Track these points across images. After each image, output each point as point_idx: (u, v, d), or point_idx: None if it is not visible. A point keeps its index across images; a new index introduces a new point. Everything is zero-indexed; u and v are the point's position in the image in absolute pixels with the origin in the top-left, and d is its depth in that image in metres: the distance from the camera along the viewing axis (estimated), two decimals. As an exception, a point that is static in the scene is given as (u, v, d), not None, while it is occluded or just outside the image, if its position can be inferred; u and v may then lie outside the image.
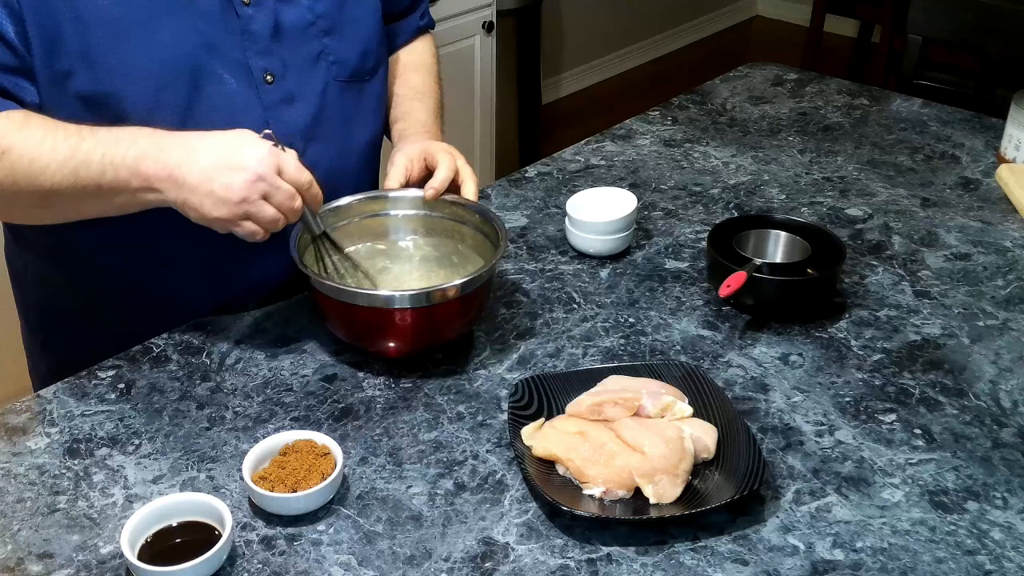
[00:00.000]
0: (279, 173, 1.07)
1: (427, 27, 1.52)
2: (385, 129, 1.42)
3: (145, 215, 1.17)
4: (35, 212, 1.15)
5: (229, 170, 1.05)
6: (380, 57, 1.36)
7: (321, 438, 1.02)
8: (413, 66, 1.47)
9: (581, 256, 1.41)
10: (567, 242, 1.43)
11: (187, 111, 1.15)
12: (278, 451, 1.02)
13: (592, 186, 1.53)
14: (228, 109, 1.18)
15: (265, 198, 1.07)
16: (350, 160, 1.32)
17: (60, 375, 1.18)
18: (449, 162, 1.28)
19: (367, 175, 1.38)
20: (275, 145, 1.08)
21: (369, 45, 1.32)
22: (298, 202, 1.09)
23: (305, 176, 1.10)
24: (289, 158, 1.09)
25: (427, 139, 1.37)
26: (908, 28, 2.37)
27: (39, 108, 1.12)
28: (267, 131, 1.10)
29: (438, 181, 1.26)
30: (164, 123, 1.13)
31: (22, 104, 1.10)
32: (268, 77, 1.21)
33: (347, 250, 1.24)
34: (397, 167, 1.29)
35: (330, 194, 1.27)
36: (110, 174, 1.06)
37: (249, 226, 1.08)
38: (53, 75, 1.10)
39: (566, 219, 1.42)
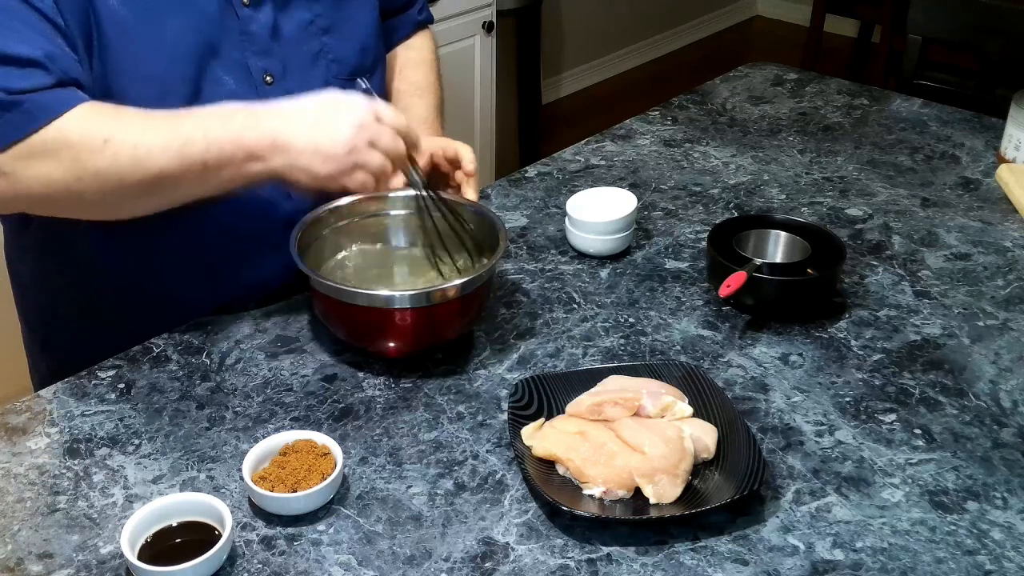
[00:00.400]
0: (378, 119, 1.09)
1: (426, 22, 1.52)
2: None
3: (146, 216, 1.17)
4: (135, 204, 1.10)
5: (331, 124, 1.06)
6: (378, 54, 1.36)
7: (321, 438, 1.02)
8: (413, 62, 1.47)
9: (581, 256, 1.41)
10: (567, 242, 1.43)
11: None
12: (278, 451, 1.02)
13: (592, 186, 1.53)
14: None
15: (371, 145, 1.08)
16: None
17: (60, 375, 1.18)
18: (468, 149, 1.30)
19: None
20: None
21: (367, 42, 1.32)
22: (401, 144, 1.11)
23: (402, 119, 1.12)
24: (383, 103, 1.11)
25: (429, 135, 1.37)
26: (908, 28, 2.37)
27: None
28: (362, 85, 1.13)
29: (471, 163, 1.29)
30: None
31: (72, 75, 1.08)
32: (268, 78, 1.21)
33: (350, 249, 1.24)
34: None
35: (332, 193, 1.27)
36: (214, 150, 1.05)
37: (360, 176, 1.09)
38: None
39: (566, 219, 1.42)
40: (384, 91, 1.40)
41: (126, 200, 1.09)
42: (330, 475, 0.98)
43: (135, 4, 1.10)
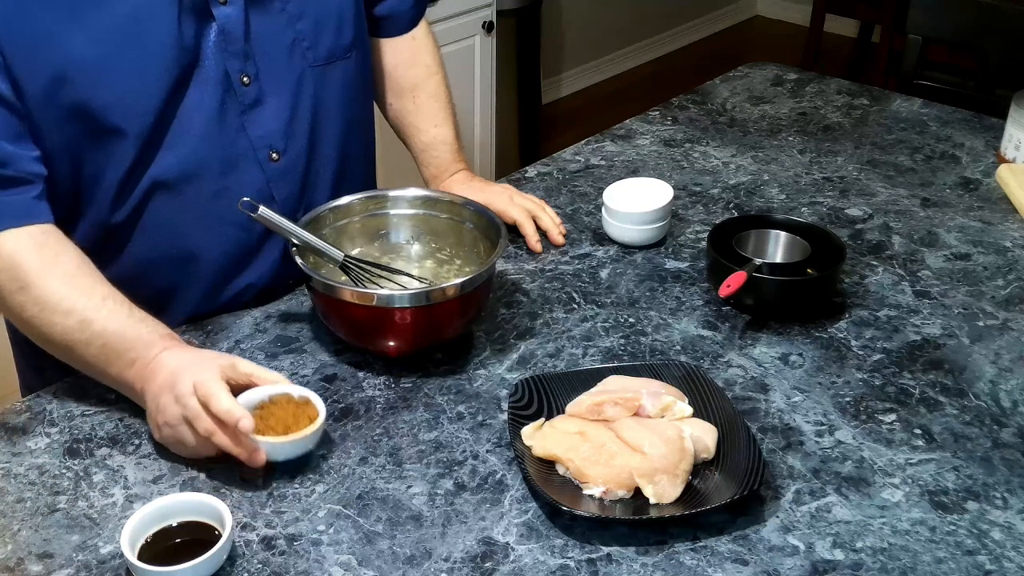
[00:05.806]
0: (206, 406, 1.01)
1: (418, 17, 1.47)
2: (369, 107, 1.40)
3: (145, 225, 1.18)
4: (18, 323, 1.12)
5: (162, 394, 1.03)
6: (358, 28, 1.31)
7: (299, 390, 1.03)
8: (425, 89, 1.47)
9: (581, 256, 1.41)
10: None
11: (163, 122, 1.13)
12: (255, 406, 1.02)
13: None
14: (205, 115, 1.16)
15: (186, 421, 1.01)
16: (336, 145, 1.30)
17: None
18: (548, 219, 1.45)
19: (358, 159, 1.37)
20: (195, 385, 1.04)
21: (344, 17, 1.27)
22: (218, 441, 1.00)
23: (224, 415, 0.99)
24: (220, 396, 1.01)
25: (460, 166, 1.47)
26: (908, 28, 2.37)
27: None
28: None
29: (554, 226, 1.45)
30: (142, 135, 1.12)
31: (25, 169, 1.08)
32: (244, 79, 1.18)
33: (352, 252, 1.24)
34: (526, 224, 1.42)
35: (318, 183, 1.27)
36: (99, 366, 1.08)
37: (183, 450, 1.04)
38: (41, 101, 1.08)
39: (603, 209, 1.43)
40: (368, 69, 1.37)
41: (12, 318, 1.11)
42: (317, 419, 1.00)
43: (108, 43, 1.08)
